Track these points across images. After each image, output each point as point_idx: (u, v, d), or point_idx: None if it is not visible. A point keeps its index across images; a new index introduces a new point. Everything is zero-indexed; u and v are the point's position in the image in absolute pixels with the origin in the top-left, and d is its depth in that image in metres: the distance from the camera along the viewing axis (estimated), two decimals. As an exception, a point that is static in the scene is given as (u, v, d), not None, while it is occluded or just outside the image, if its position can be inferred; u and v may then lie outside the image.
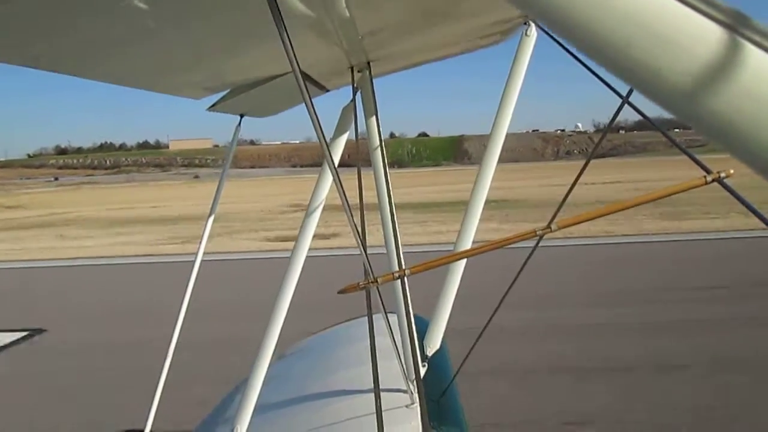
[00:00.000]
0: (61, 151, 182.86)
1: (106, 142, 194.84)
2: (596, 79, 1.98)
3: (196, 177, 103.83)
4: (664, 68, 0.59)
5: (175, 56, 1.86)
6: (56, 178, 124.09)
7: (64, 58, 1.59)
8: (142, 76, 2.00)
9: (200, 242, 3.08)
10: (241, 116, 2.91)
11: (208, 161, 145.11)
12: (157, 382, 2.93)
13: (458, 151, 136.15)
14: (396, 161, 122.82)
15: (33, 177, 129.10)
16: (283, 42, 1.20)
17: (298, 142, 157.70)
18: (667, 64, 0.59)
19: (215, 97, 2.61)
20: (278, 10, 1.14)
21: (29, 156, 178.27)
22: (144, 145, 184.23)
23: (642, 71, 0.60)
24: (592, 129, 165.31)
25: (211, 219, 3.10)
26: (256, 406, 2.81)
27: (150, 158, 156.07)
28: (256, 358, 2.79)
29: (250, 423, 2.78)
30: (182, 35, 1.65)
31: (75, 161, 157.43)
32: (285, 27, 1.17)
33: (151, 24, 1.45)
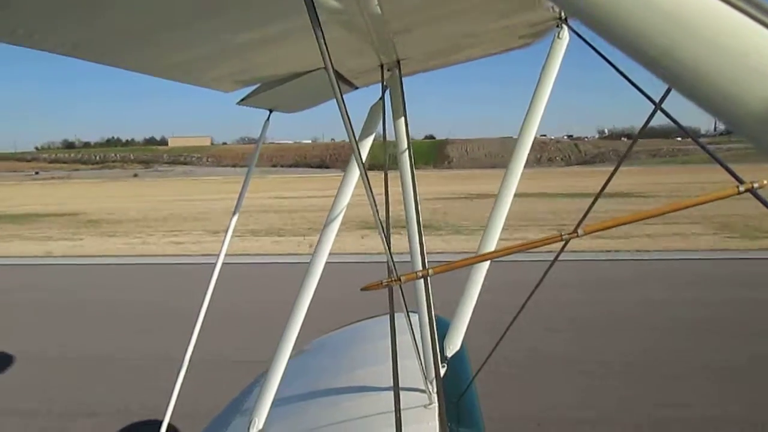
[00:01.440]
0: (69, 145, 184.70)
1: (113, 137, 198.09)
2: (626, 84, 1.96)
3: (135, 176, 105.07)
4: (707, 71, 0.58)
5: (207, 49, 1.88)
6: (37, 173, 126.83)
7: (100, 48, 1.61)
8: (175, 67, 2.02)
9: (223, 242, 3.08)
10: (270, 111, 2.92)
11: (193, 159, 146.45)
12: (178, 372, 2.96)
13: (440, 156, 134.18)
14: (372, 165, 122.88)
15: (19, 171, 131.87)
16: (316, 38, 1.20)
17: (308, 141, 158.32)
18: (710, 67, 0.58)
19: (245, 91, 2.63)
20: (313, 6, 1.14)
21: (36, 149, 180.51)
22: (150, 141, 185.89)
23: (685, 73, 0.59)
24: (596, 136, 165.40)
25: (235, 218, 3.11)
26: (274, 399, 2.83)
27: (138, 155, 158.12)
28: (276, 352, 2.81)
29: (268, 415, 2.80)
30: (215, 28, 1.66)
31: (67, 156, 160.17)
32: (319, 23, 1.18)
33: (185, 16, 1.47)
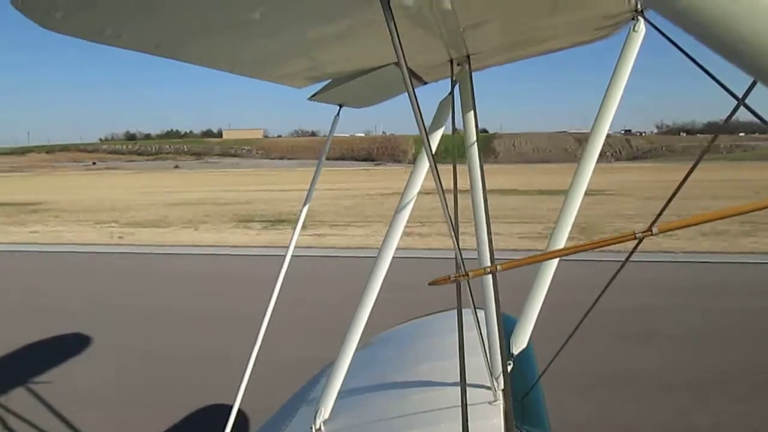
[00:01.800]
0: (130, 137, 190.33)
1: (171, 130, 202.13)
2: (709, 79, 1.89)
3: (176, 167, 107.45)
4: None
5: (279, 44, 1.92)
6: (94, 163, 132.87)
7: (180, 46, 1.67)
8: (248, 63, 2.08)
9: (292, 235, 3.13)
10: (340, 106, 2.96)
11: (244, 151, 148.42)
12: (248, 359, 3.03)
13: (487, 150, 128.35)
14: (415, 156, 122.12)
15: (79, 161, 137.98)
16: (390, 33, 1.22)
17: (361, 134, 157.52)
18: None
19: (316, 87, 2.68)
20: (388, 2, 1.16)
21: (100, 140, 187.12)
22: (207, 134, 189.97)
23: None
24: (655, 130, 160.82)
25: (305, 209, 3.16)
26: (340, 390, 2.87)
27: (191, 147, 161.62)
28: (343, 343, 2.85)
29: (334, 406, 2.85)
30: (287, 23, 1.70)
31: (124, 147, 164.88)
32: (393, 18, 1.19)
33: (258, 12, 1.51)
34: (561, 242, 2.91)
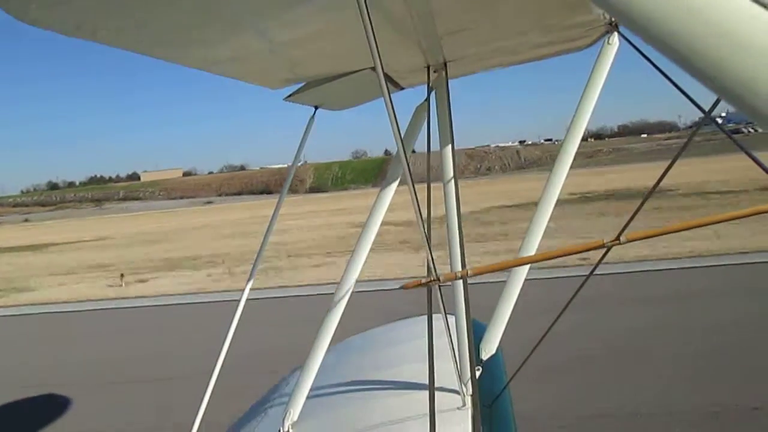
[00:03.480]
0: (53, 186, 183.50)
1: (95, 176, 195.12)
2: (677, 91, 1.93)
3: (26, 220, 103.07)
4: (755, 80, 0.58)
5: (255, 44, 1.91)
6: None
7: (155, 43, 1.66)
8: (223, 62, 2.07)
9: (250, 273, 3.07)
10: (316, 108, 2.96)
11: (147, 193, 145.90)
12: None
13: (382, 172, 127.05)
14: (315, 186, 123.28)
15: None
16: (367, 37, 1.22)
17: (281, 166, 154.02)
18: (758, 76, 0.58)
19: (292, 89, 2.67)
20: (366, 6, 1.16)
21: (22, 192, 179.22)
22: (132, 177, 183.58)
23: (733, 83, 0.59)
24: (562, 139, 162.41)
25: (267, 241, 3.12)
26: (309, 392, 2.86)
27: (95, 193, 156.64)
28: (313, 346, 2.84)
29: (303, 408, 2.84)
30: (263, 24, 1.70)
31: (28, 199, 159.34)
32: (371, 22, 1.19)
33: (233, 11, 1.50)
34: (532, 249, 2.94)
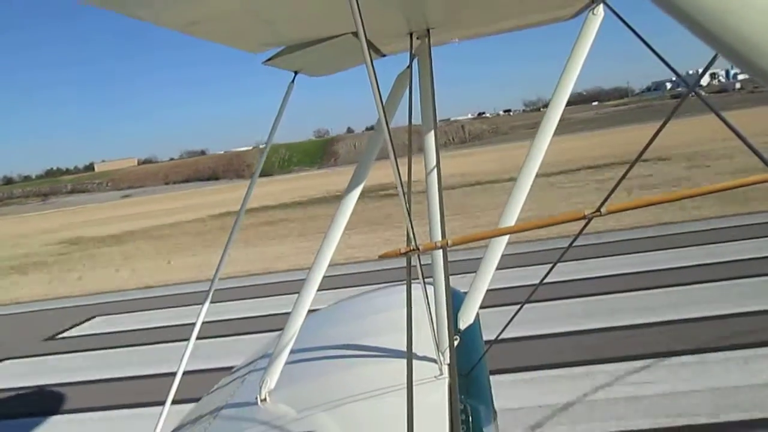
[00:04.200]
0: (8, 181, 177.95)
1: (52, 168, 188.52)
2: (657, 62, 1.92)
3: None
4: (759, 35, 0.57)
5: (230, 5, 1.86)
6: None
7: (130, 2, 1.61)
8: (198, 23, 2.00)
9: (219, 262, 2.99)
10: (295, 73, 2.90)
11: (94, 185, 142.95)
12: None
13: (327, 154, 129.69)
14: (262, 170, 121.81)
15: None
16: (350, 1, 1.19)
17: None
18: (761, 31, 0.57)
19: (271, 54, 2.62)
20: None
21: None
22: (89, 168, 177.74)
23: (732, 37, 0.58)
24: (521, 109, 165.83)
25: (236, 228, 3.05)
26: (287, 361, 2.86)
27: (42, 187, 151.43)
28: (291, 314, 2.84)
29: (279, 376, 2.84)
30: None
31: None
32: None
33: None
34: (512, 220, 2.94)
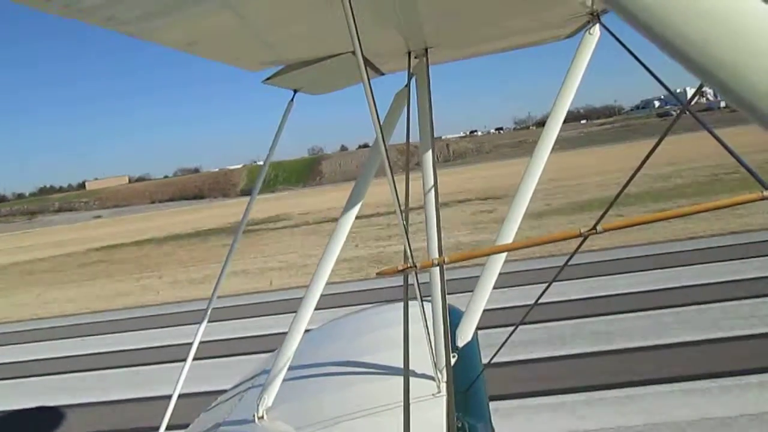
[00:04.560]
0: (1, 199, 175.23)
1: (45, 186, 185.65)
2: (655, 83, 1.94)
3: None
4: (740, 66, 0.58)
5: (235, 24, 1.88)
6: None
7: (130, 20, 1.63)
8: (204, 42, 2.03)
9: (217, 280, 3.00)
10: (295, 92, 2.93)
11: (81, 204, 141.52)
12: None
13: (313, 172, 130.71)
14: (246, 188, 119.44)
15: None
16: (348, 21, 1.21)
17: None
18: (743, 62, 0.58)
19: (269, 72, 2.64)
20: None
21: None
22: (81, 186, 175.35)
23: (718, 69, 0.59)
24: (512, 127, 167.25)
25: (239, 234, 3.08)
26: (284, 378, 2.86)
27: (30, 206, 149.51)
28: (289, 331, 2.84)
29: (277, 394, 2.83)
30: (238, 3, 1.67)
31: None
32: (351, 7, 1.18)
33: None
34: (509, 237, 2.94)
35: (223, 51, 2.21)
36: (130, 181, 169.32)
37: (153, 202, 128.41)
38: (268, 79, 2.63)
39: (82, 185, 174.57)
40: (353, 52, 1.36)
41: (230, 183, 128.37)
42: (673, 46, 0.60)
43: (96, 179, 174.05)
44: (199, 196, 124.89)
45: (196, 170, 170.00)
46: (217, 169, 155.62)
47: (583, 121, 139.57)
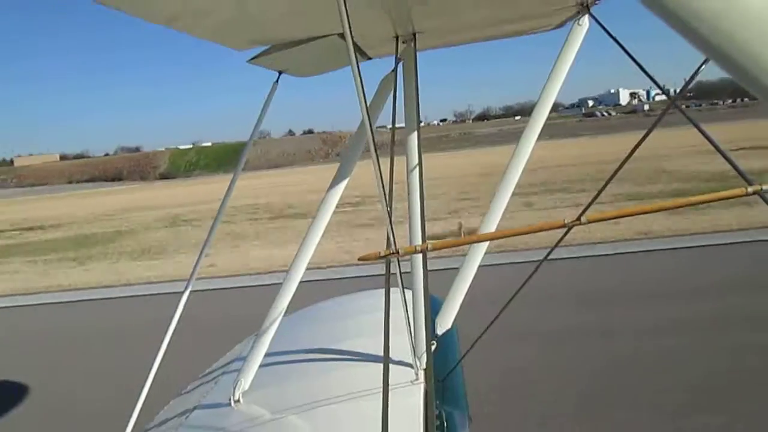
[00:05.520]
0: None
1: None
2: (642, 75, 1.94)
3: None
4: (749, 41, 0.58)
5: (214, 2, 1.84)
6: None
7: None
8: (187, 17, 1.98)
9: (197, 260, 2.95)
10: (280, 73, 2.89)
11: None
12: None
13: (236, 159, 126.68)
14: (166, 172, 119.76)
15: None
16: (338, 3, 1.18)
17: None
18: (752, 36, 0.58)
19: (256, 51, 2.60)
20: None
21: None
22: (10, 163, 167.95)
23: (726, 44, 0.58)
24: (452, 120, 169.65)
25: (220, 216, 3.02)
26: (262, 362, 2.84)
27: None
28: (268, 315, 2.82)
29: (254, 377, 2.82)
30: None
31: None
32: None
33: None
34: (492, 226, 2.94)
35: (207, 28, 2.17)
36: (61, 159, 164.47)
37: (70, 182, 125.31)
38: (253, 58, 2.59)
39: (10, 162, 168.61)
40: (341, 35, 1.34)
41: (151, 166, 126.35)
42: (683, 21, 0.59)
43: (30, 155, 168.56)
44: (117, 178, 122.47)
45: (137, 149, 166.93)
46: (163, 148, 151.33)
47: (517, 117, 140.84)
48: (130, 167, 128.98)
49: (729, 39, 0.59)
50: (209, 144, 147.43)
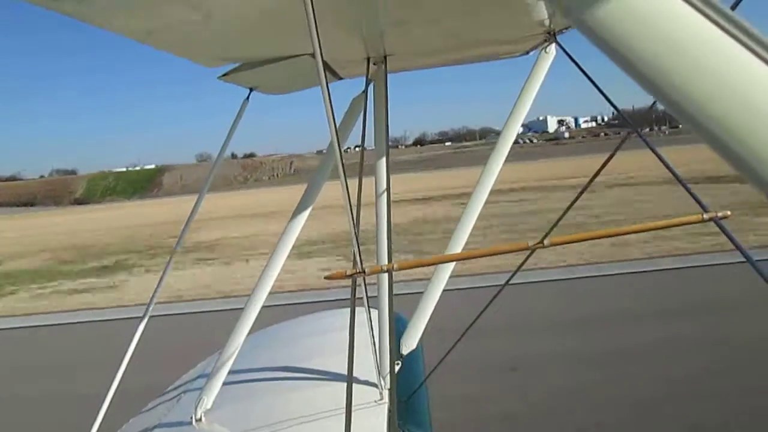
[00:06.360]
0: None
1: None
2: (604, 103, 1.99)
3: None
4: (687, 81, 0.61)
5: (188, 18, 1.85)
6: None
7: (90, 10, 1.58)
8: (159, 33, 1.98)
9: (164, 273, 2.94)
10: (251, 90, 2.89)
11: None
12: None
13: (152, 184, 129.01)
14: (81, 197, 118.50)
15: None
16: (309, 23, 1.20)
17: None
18: (700, 91, 0.61)
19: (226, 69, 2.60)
20: None
21: None
22: None
23: (667, 85, 0.61)
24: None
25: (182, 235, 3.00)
26: (225, 380, 2.81)
27: None
28: (232, 334, 2.79)
29: (216, 396, 2.78)
30: None
31: None
32: (313, 7, 1.17)
33: None
34: (458, 247, 2.97)
35: (179, 44, 2.17)
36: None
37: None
38: (224, 75, 2.59)
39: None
40: (312, 55, 1.35)
41: (67, 190, 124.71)
42: (628, 61, 0.62)
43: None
44: (29, 203, 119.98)
45: (73, 172, 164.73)
46: (97, 171, 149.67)
47: (448, 143, 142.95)
48: (45, 192, 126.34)
49: (667, 78, 0.62)
50: (124, 169, 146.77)
